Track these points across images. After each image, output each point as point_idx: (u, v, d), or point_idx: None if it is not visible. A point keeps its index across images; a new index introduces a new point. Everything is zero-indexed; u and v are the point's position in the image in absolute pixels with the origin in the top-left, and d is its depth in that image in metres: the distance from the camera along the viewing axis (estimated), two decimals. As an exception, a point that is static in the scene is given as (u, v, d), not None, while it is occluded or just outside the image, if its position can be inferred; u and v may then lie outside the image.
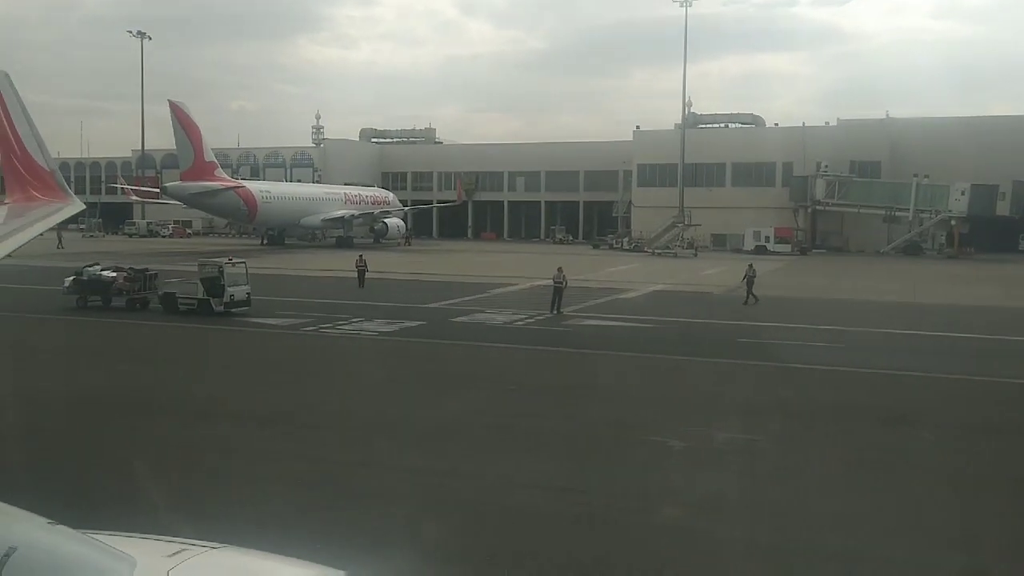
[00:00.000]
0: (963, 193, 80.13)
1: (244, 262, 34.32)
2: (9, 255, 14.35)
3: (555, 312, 33.94)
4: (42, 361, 23.60)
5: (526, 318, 33.04)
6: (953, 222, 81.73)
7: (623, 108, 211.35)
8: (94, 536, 4.31)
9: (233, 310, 32.27)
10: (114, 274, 34.27)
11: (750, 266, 39.80)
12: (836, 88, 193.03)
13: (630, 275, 54.43)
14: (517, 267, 58.51)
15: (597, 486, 13.43)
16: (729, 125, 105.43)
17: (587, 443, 15.85)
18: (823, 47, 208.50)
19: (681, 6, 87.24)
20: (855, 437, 16.53)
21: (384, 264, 54.90)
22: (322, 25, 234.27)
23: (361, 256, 44.63)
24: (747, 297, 38.27)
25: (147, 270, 35.42)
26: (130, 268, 35.39)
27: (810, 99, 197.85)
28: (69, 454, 14.65)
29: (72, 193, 21.56)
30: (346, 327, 30.04)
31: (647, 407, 18.94)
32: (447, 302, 37.65)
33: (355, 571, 4.76)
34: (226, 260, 33.93)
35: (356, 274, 43.08)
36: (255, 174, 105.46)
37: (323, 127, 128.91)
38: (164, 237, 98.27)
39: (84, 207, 20.68)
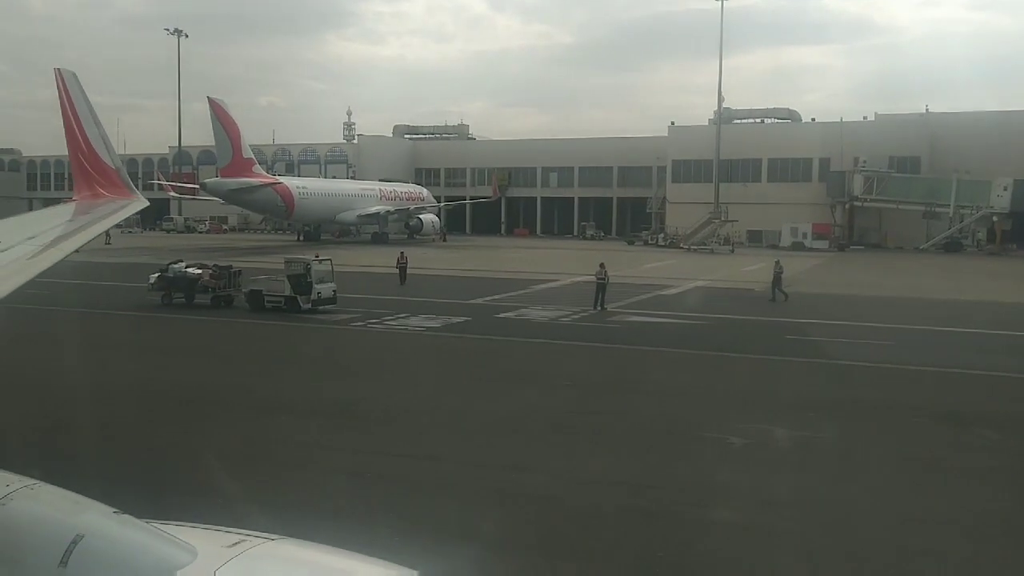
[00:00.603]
0: (1005, 189, 79.02)
1: (330, 259, 33.92)
2: (77, 251, 14.69)
3: (599, 308, 33.93)
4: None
5: (571, 314, 33.03)
6: (995, 218, 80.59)
7: (653, 103, 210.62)
8: (157, 525, 4.44)
9: (320, 308, 32.02)
10: (199, 271, 33.97)
11: (777, 263, 39.36)
12: (869, 81, 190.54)
13: (669, 271, 54.28)
14: (555, 263, 58.52)
15: (665, 482, 13.46)
16: (765, 120, 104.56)
17: (648, 439, 15.88)
18: (855, 40, 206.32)
19: (716, 0, 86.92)
20: (914, 434, 16.41)
21: (423, 260, 55.07)
22: (350, 21, 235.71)
23: (402, 253, 44.67)
24: (773, 294, 37.91)
25: (231, 267, 34.98)
26: (214, 265, 34.98)
27: (843, 93, 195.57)
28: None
29: (137, 190, 21.95)
30: (392, 323, 30.28)
31: (702, 403, 18.92)
32: (490, 298, 37.74)
33: (427, 571, 4.72)
34: (313, 257, 33.62)
35: (397, 271, 43.04)
36: (290, 170, 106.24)
37: (354, 123, 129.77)
38: (201, 233, 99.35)
39: (148, 204, 21.01)
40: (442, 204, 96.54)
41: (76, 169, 20.27)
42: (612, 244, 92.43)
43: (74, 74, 20.41)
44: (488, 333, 28.72)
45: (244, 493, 12.09)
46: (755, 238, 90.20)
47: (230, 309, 32.96)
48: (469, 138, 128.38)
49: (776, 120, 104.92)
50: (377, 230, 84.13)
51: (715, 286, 45.89)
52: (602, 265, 35.73)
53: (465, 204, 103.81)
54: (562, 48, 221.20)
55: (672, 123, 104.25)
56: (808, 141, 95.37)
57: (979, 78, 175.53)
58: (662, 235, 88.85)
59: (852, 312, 34.55)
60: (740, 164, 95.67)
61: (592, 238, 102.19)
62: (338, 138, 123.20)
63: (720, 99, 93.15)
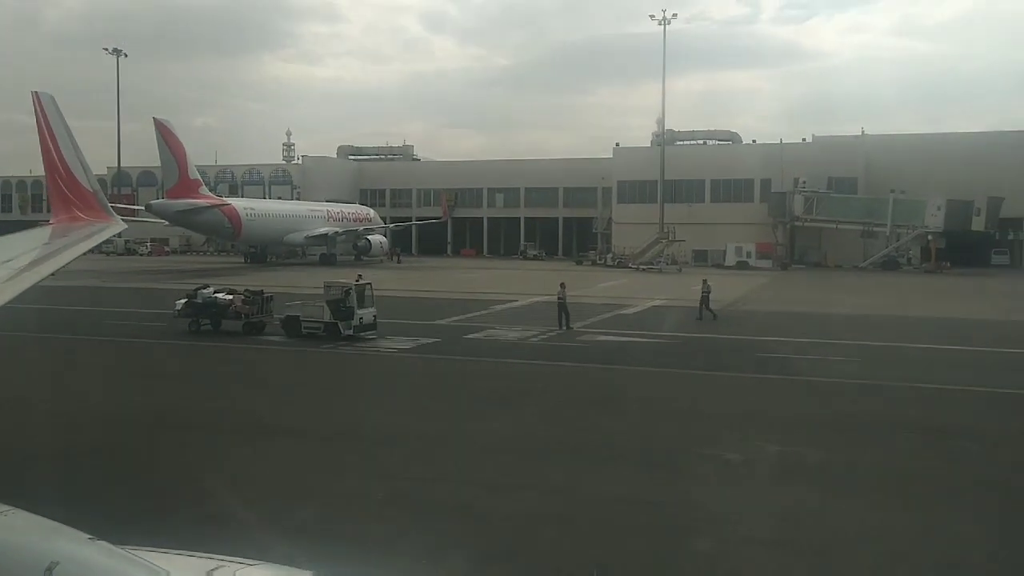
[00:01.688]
0: (939, 208, 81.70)
1: (370, 283, 32.82)
2: (53, 274, 14.38)
3: (564, 328, 34.16)
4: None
5: (539, 334, 33.20)
6: (930, 237, 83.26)
7: (589, 124, 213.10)
8: (132, 551, 4.43)
9: (362, 334, 30.68)
10: (230, 296, 32.54)
11: (704, 282, 39.93)
12: (798, 104, 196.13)
13: (623, 291, 54.86)
14: (511, 283, 58.74)
15: (672, 499, 13.65)
16: (707, 142, 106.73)
17: (646, 456, 16.08)
18: (784, 64, 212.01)
19: (659, 24, 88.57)
20: (891, 448, 16.91)
21: (379, 282, 54.25)
22: (287, 42, 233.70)
23: (360, 276, 43.29)
24: (701, 312, 38.16)
25: (262, 292, 33.36)
26: (245, 290, 33.52)
27: (773, 115, 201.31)
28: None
29: (114, 213, 21.57)
30: (364, 345, 30.12)
31: (689, 421, 19.21)
32: (454, 319, 37.76)
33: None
34: (355, 280, 32.58)
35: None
36: (234, 191, 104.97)
37: (294, 144, 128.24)
38: (143, 255, 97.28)
39: (126, 227, 20.69)
40: (391, 225, 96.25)
41: (53, 192, 19.89)
42: (559, 264, 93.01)
43: (52, 97, 20.06)
44: (461, 354, 28.74)
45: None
46: (700, 257, 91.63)
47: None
48: (414, 159, 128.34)
49: (718, 142, 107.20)
50: (325, 251, 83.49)
51: (672, 305, 46.53)
52: (563, 285, 36.03)
53: (413, 225, 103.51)
54: (498, 70, 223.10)
55: (617, 144, 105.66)
56: (749, 162, 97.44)
57: (902, 101, 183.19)
58: (610, 255, 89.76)
59: (812, 329, 35.40)
60: (684, 185, 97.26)
61: (536, 258, 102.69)
62: (277, 159, 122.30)
63: (662, 121, 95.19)
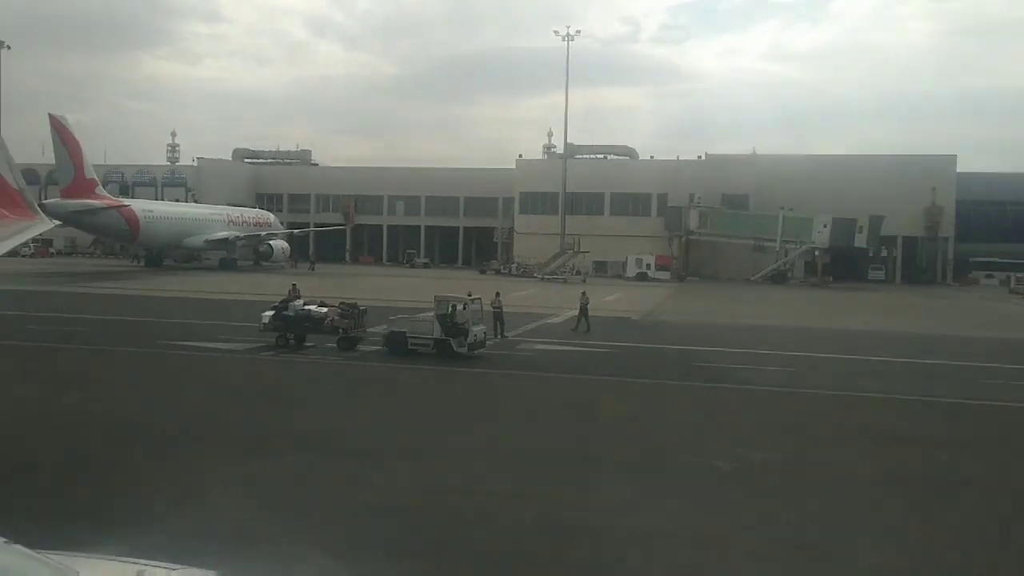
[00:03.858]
0: (825, 226, 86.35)
1: (479, 298, 31.50)
2: None
3: (500, 337, 34.77)
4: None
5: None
6: (816, 252, 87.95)
7: (476, 135, 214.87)
8: (47, 555, 4.27)
9: (475, 352, 28.99)
10: (324, 309, 30.68)
11: (583, 294, 40.87)
12: (676, 123, 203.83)
13: (539, 300, 55.87)
14: (422, 292, 58.58)
15: (680, 504, 14.48)
16: (608, 156, 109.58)
17: (625, 464, 16.75)
18: (662, 84, 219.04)
19: (563, 40, 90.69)
20: (832, 450, 18.31)
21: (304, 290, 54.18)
22: (165, 40, 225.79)
23: (295, 285, 38.91)
24: (578, 324, 38.73)
25: (357, 305, 31.42)
26: (341, 302, 31.56)
27: (652, 133, 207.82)
28: None
29: (41, 212, 21.10)
30: (311, 351, 30.00)
31: (664, 430, 20.02)
32: (381, 327, 37.74)
33: None
34: (467, 296, 31.14)
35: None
36: (124, 192, 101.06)
37: (178, 145, 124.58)
38: (25, 256, 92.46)
39: (52, 225, 20.32)
40: (296, 231, 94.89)
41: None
42: (460, 273, 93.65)
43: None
44: (409, 362, 28.85)
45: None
46: (600, 268, 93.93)
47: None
48: (312, 164, 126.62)
49: (615, 156, 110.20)
50: (225, 256, 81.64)
51: (593, 315, 47.68)
52: (497, 294, 36.77)
53: (316, 231, 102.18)
54: (385, 78, 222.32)
55: (520, 156, 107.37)
56: (647, 177, 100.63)
57: (773, 122, 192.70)
58: (515, 264, 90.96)
59: (735, 340, 36.99)
60: (585, 197, 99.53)
61: (427, 266, 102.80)
62: (158, 160, 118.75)
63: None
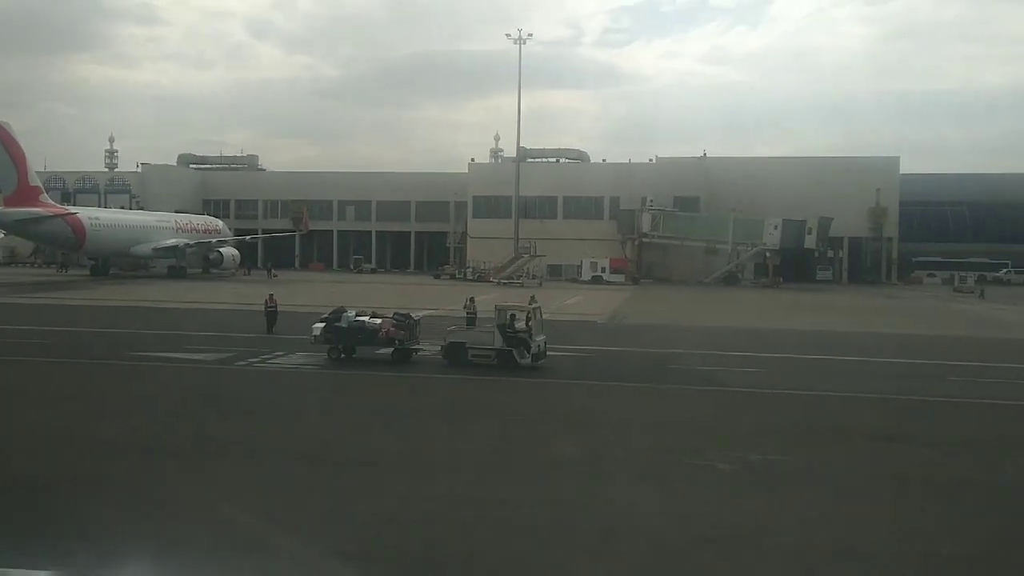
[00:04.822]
0: (776, 227, 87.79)
1: (539, 306, 30.39)
2: None
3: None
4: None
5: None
6: (767, 254, 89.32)
7: (420, 138, 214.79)
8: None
9: (538, 364, 27.64)
10: (378, 320, 29.41)
11: (532, 298, 40.74)
12: (619, 125, 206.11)
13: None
14: (389, 298, 58.14)
15: (687, 509, 14.42)
16: (560, 160, 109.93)
17: (610, 466, 16.69)
18: (605, 86, 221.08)
19: (515, 43, 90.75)
20: (860, 452, 18.52)
21: (254, 297, 53.22)
22: (99, 43, 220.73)
23: (272, 296, 37.98)
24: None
25: (410, 315, 30.31)
26: (395, 313, 30.39)
27: (595, 135, 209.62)
28: None
29: None
30: (278, 361, 29.40)
31: (659, 433, 19.95)
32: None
33: None
34: (530, 303, 30.08)
35: (265, 316, 36.94)
36: (66, 199, 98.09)
37: (117, 150, 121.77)
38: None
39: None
40: (248, 238, 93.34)
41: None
42: (415, 278, 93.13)
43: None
44: (385, 369, 28.45)
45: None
46: (555, 272, 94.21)
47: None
48: (259, 169, 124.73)
49: (568, 160, 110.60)
50: (174, 263, 79.94)
51: (557, 319, 47.34)
52: (472, 299, 36.59)
53: (268, 237, 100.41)
54: (328, 81, 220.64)
55: (472, 160, 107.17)
56: (599, 180, 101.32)
57: (715, 125, 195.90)
58: (470, 269, 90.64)
59: (705, 341, 37.33)
60: (537, 201, 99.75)
61: (373, 272, 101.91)
62: (97, 165, 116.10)
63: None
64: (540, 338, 28.16)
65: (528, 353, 27.37)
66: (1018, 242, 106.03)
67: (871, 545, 12.51)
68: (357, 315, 29.65)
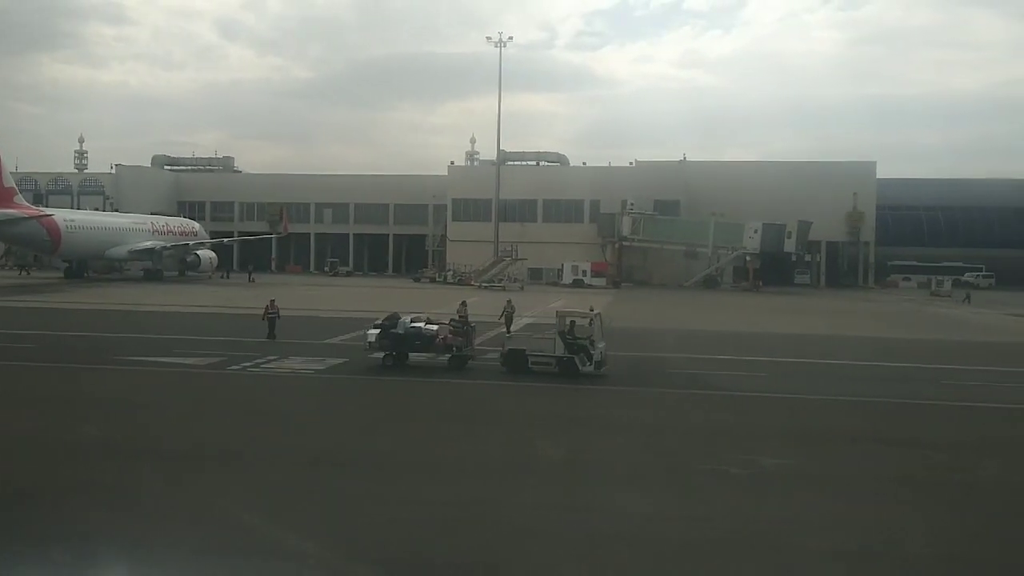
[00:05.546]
0: (756, 231, 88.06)
1: (599, 313, 29.33)
2: None
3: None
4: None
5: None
6: (747, 258, 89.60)
7: (391, 141, 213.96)
8: None
9: (600, 371, 26.90)
10: (435, 326, 28.78)
11: (508, 302, 40.40)
12: (592, 128, 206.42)
13: (488, 309, 55.08)
14: (371, 301, 57.69)
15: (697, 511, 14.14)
16: (540, 163, 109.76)
17: (617, 470, 16.57)
18: (579, 90, 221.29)
19: (495, 46, 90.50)
20: (874, 457, 18.36)
21: (233, 300, 52.75)
22: (66, 42, 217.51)
23: (272, 301, 36.25)
24: (508, 332, 37.80)
25: (468, 321, 29.65)
26: (452, 319, 29.87)
27: (569, 138, 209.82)
28: None
29: None
30: (272, 366, 28.83)
31: (671, 439, 19.75)
32: (343, 337, 36.78)
33: None
34: (590, 309, 29.18)
35: (265, 321, 35.42)
36: (38, 201, 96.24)
37: (87, 151, 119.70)
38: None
39: None
40: (227, 240, 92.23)
41: None
42: (394, 281, 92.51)
43: None
44: (383, 374, 27.99)
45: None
46: (535, 275, 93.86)
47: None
48: (235, 171, 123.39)
49: (547, 163, 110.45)
50: (150, 266, 78.71)
51: (545, 322, 47.32)
52: (464, 303, 36.01)
53: (244, 240, 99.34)
54: (298, 82, 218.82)
55: (452, 163, 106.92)
56: (579, 184, 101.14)
57: (687, 128, 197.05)
58: (450, 272, 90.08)
59: (702, 346, 37.21)
60: (517, 204, 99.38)
61: (349, 275, 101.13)
62: (66, 167, 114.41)
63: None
64: (601, 345, 27.33)
65: (590, 361, 26.66)
66: (989, 246, 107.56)
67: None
68: (412, 321, 28.97)
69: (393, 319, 28.83)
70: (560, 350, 26.96)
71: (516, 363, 27.22)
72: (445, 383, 26.68)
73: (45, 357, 30.02)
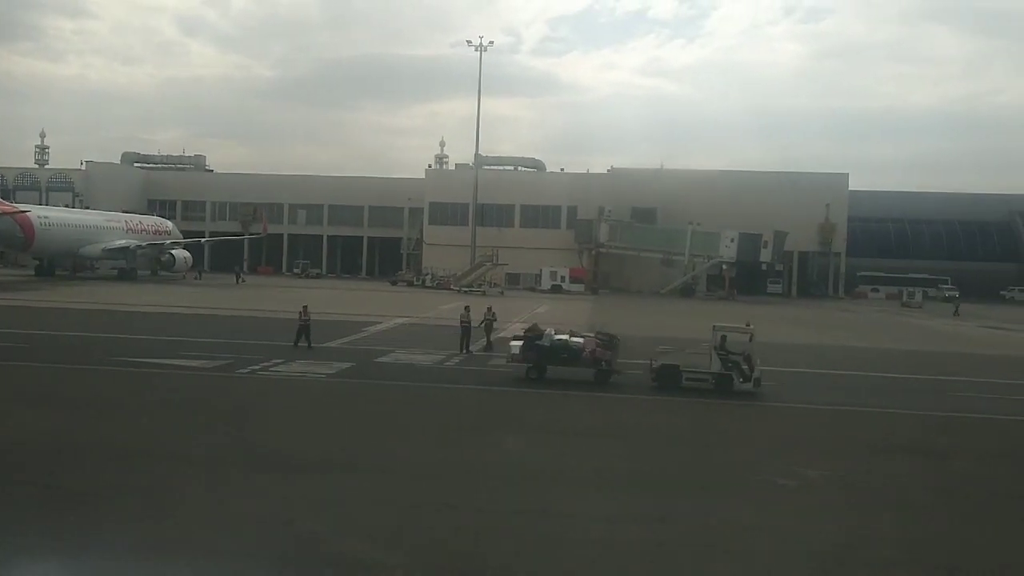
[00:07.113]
0: (732, 240, 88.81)
1: (752, 326, 28.37)
2: None
3: (466, 352, 34.01)
4: None
5: (446, 357, 32.82)
6: (724, 266, 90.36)
7: (356, 142, 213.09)
8: None
9: (757, 388, 25.93)
10: (581, 339, 27.78)
11: (489, 309, 40.16)
12: (558, 133, 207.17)
13: (474, 314, 55.01)
14: (359, 304, 57.55)
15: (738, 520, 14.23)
16: (517, 168, 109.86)
17: (641, 479, 16.59)
18: (543, 95, 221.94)
19: (476, 51, 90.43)
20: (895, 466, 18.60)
21: (222, 301, 52.01)
22: (24, 34, 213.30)
23: (305, 307, 34.05)
24: (487, 341, 36.68)
25: (615, 336, 28.40)
26: (598, 332, 28.88)
27: (533, 144, 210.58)
28: None
29: None
30: (280, 369, 28.47)
31: (676, 444, 19.96)
32: (341, 341, 36.52)
33: None
34: (746, 324, 28.36)
35: (296, 329, 33.60)
36: (4, 197, 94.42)
37: (48, 147, 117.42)
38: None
39: None
40: (204, 240, 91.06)
41: None
42: (369, 284, 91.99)
43: None
44: (390, 379, 27.74)
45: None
46: (513, 281, 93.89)
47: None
48: (207, 170, 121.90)
49: (524, 168, 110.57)
50: (124, 265, 77.37)
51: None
52: (467, 308, 36.07)
53: (221, 240, 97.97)
54: (262, 80, 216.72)
55: (430, 166, 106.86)
56: (557, 189, 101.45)
57: (651, 136, 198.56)
58: (429, 276, 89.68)
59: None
60: (495, 209, 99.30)
61: (318, 276, 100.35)
62: (27, 162, 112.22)
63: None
64: (757, 361, 26.62)
65: (747, 378, 25.94)
66: (954, 259, 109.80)
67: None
68: (556, 334, 28.20)
69: (536, 331, 28.10)
70: (716, 366, 26.17)
71: (669, 379, 26.36)
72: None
73: (75, 359, 29.36)
